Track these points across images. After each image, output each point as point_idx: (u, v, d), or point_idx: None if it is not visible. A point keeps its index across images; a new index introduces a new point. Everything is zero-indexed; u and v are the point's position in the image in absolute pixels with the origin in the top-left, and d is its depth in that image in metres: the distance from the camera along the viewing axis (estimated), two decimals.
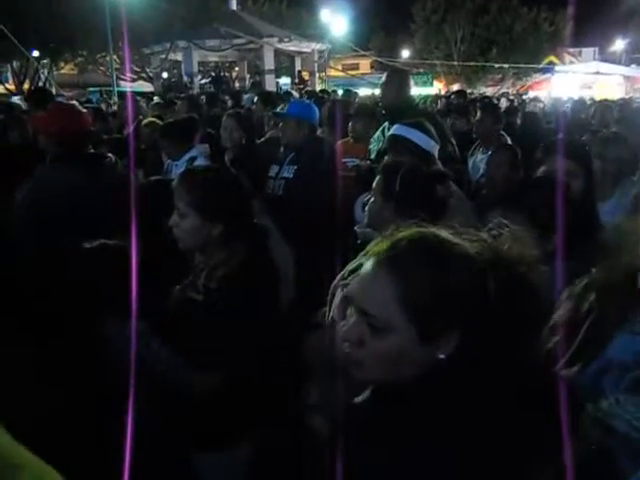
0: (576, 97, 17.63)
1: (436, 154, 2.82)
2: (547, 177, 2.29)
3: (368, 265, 1.03)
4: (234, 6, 21.93)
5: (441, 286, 0.96)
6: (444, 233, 1.03)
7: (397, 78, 3.75)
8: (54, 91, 18.81)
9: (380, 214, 2.06)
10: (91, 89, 21.13)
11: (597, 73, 24.74)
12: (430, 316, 0.96)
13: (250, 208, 1.97)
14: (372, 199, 2.12)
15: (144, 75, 21.77)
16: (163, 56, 21.04)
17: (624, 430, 1.12)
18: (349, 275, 2.14)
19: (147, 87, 20.65)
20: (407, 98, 3.73)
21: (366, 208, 2.21)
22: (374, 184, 2.14)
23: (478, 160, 4.63)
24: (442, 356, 0.98)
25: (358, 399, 1.12)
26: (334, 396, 1.95)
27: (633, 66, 27.83)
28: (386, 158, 2.67)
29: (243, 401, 1.77)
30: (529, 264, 1.01)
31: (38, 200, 2.53)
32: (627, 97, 15.30)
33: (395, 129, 2.80)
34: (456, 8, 32.51)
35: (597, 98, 17.37)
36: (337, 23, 26.23)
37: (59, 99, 12.25)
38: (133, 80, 20.75)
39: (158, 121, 5.02)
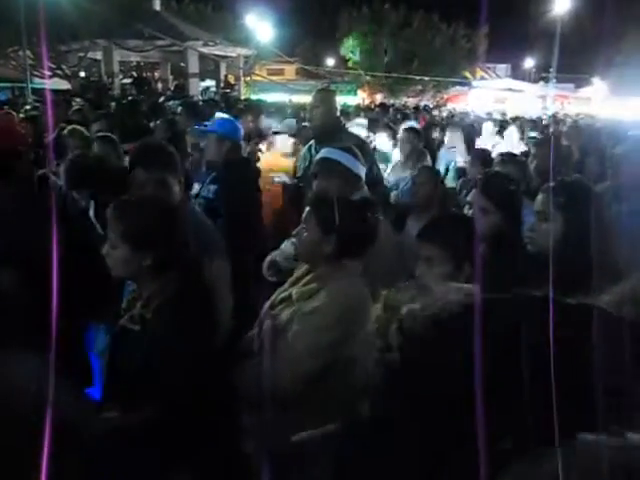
0: (490, 111, 18.63)
1: (363, 177, 2.89)
2: (458, 214, 2.43)
3: None
4: (157, 6, 21.44)
5: None
6: None
7: (325, 99, 3.79)
8: None
9: (318, 248, 2.05)
10: (1, 85, 19.93)
11: (509, 89, 26.22)
12: None
13: (183, 238, 1.96)
14: (305, 232, 2.09)
15: (60, 72, 20.78)
16: (81, 54, 20.22)
17: None
18: (279, 303, 2.18)
19: (64, 85, 19.73)
20: (335, 119, 3.78)
21: (296, 240, 2.18)
22: (306, 216, 2.12)
23: (400, 175, 4.81)
24: None
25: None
26: (268, 425, 2.00)
27: (541, 83, 29.65)
28: (314, 184, 2.71)
29: (178, 431, 1.77)
30: None
31: None
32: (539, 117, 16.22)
33: (325, 152, 2.80)
34: (379, 20, 33.36)
35: (509, 112, 18.45)
36: (263, 28, 26.22)
37: None
38: (49, 77, 19.76)
39: (81, 129, 4.78)
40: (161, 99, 13.23)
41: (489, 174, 2.74)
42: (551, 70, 22.05)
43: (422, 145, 5.27)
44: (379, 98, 29.04)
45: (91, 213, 2.95)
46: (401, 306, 0.69)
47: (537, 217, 2.12)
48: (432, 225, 2.15)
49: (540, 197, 2.32)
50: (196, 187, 3.43)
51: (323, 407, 1.98)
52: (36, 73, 18.35)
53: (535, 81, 32.62)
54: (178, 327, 1.78)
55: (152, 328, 1.82)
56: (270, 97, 18.32)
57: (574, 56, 31.76)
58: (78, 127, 4.72)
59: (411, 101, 27.73)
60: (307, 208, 2.14)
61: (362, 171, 2.83)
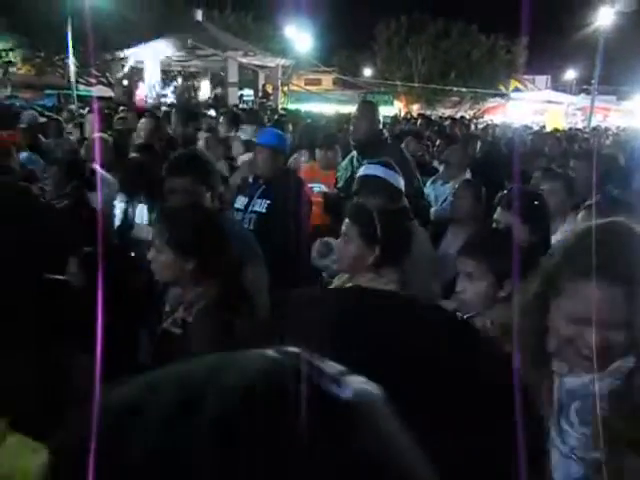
0: (529, 123, 18.41)
1: (403, 189, 2.89)
2: (499, 229, 2.41)
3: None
4: (199, 17, 21.88)
5: None
6: None
7: (368, 112, 3.84)
8: (9, 92, 18.28)
9: (361, 259, 2.09)
10: (48, 91, 20.57)
11: (549, 102, 25.81)
12: None
13: (226, 244, 2.02)
14: (347, 244, 2.12)
15: (104, 80, 21.41)
16: (124, 62, 20.78)
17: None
18: None
19: (107, 92, 20.28)
20: (377, 132, 3.81)
21: (339, 252, 2.20)
22: (346, 228, 2.14)
23: (439, 189, 4.79)
24: None
25: None
26: None
27: (582, 95, 29.06)
28: (355, 200, 2.72)
29: None
30: None
31: None
32: (575, 128, 15.94)
33: (366, 169, 2.81)
34: (418, 31, 33.26)
35: (548, 125, 18.18)
36: (301, 39, 26.44)
37: (14, 102, 11.92)
38: (93, 85, 20.37)
39: (105, 136, 4.86)
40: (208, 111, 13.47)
41: (512, 190, 2.71)
42: (593, 82, 21.57)
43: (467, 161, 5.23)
44: (415, 109, 28.91)
45: (145, 217, 3.06)
46: None
47: None
48: (474, 240, 2.15)
49: (582, 214, 2.30)
50: (242, 199, 3.38)
51: None
52: (81, 80, 18.94)
53: (576, 93, 31.99)
54: (219, 331, 1.82)
55: (193, 332, 1.87)
56: (307, 107, 18.48)
57: (616, 68, 31.10)
58: (104, 135, 4.85)
59: (448, 112, 27.53)
60: (346, 220, 2.16)
61: (402, 184, 2.85)
